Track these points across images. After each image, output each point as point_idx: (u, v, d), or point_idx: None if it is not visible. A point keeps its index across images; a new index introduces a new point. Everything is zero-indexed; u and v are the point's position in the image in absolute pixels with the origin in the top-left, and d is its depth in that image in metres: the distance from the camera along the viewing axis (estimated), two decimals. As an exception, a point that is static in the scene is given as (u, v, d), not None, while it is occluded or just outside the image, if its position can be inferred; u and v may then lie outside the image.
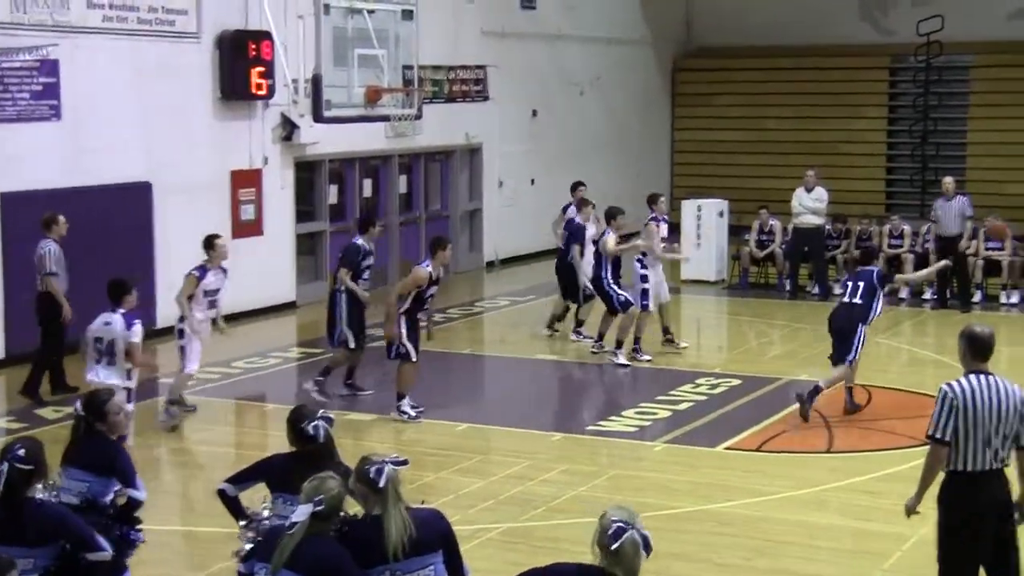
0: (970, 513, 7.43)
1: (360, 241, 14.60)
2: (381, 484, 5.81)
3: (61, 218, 14.74)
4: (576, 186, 19.12)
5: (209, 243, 13.83)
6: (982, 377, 7.50)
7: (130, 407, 11.31)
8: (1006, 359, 15.85)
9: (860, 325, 13.83)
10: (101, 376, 11.26)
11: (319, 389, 14.26)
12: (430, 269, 13.33)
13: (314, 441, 6.94)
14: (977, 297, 20.62)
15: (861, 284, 13.98)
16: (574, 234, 17.56)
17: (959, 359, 7.73)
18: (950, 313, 19.72)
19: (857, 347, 13.80)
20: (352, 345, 14.42)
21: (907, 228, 21.78)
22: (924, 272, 17.41)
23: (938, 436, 7.46)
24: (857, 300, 13.87)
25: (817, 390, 13.71)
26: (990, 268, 20.81)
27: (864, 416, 13.97)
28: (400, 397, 13.59)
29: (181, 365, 13.70)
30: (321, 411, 7.12)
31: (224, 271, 13.90)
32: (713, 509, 10.93)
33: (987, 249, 20.88)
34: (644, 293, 16.44)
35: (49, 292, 14.40)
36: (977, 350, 7.59)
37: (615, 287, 16.31)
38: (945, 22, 26.68)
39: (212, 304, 13.82)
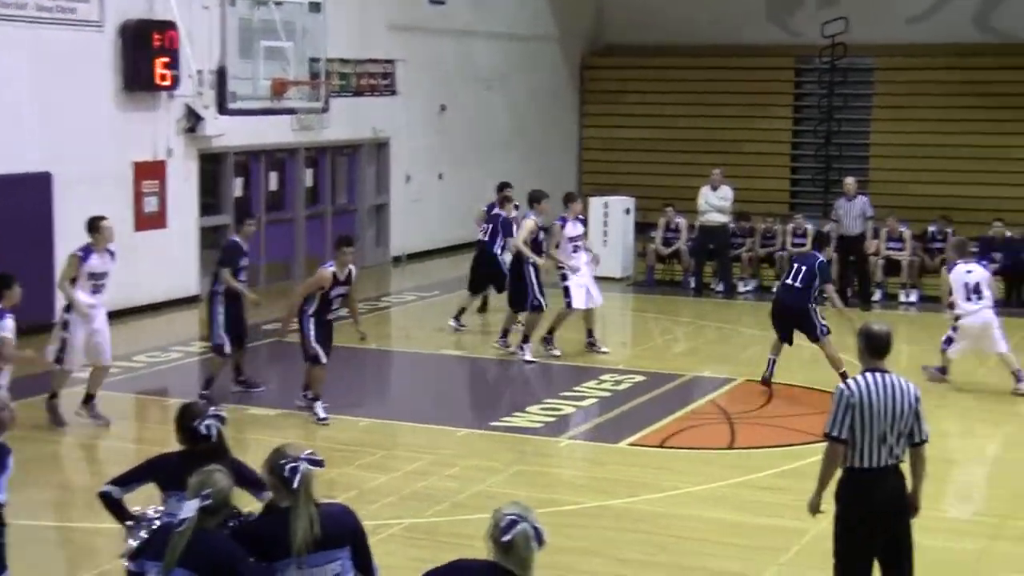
0: (867, 510, 7.53)
1: (237, 239, 14.41)
2: (295, 485, 5.80)
3: None
4: (503, 187, 19.13)
5: (93, 225, 13.13)
6: (878, 375, 7.60)
7: None
8: (906, 357, 16.10)
9: (806, 304, 14.68)
10: None
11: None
12: (333, 269, 13.14)
13: (207, 440, 6.85)
14: (877, 296, 20.92)
15: (804, 268, 14.81)
16: (501, 226, 17.59)
17: (857, 356, 7.83)
18: (851, 311, 19.93)
19: (819, 319, 14.67)
20: (228, 351, 14.19)
21: (810, 227, 22.01)
22: (841, 306, 16.89)
23: (834, 434, 7.56)
24: (797, 284, 14.77)
25: (844, 376, 13.96)
26: (890, 267, 21.14)
27: (765, 413, 14.14)
28: (315, 398, 13.41)
29: (57, 356, 12.91)
30: (212, 408, 7.04)
31: (111, 254, 13.22)
32: (616, 505, 10.98)
33: (887, 249, 21.21)
34: (566, 291, 16.44)
35: None
36: (874, 348, 7.70)
37: (536, 284, 16.17)
38: (849, 24, 27.05)
39: (97, 289, 13.02)
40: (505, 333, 16.82)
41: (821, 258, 14.96)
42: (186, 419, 6.95)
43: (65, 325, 13.00)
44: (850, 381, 7.62)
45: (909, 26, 28.00)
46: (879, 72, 28.26)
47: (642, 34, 30.08)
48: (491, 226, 17.91)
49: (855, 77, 28.30)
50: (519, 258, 16.33)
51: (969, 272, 15.05)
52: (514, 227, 17.56)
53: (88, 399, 13.21)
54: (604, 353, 16.75)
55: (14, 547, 7.49)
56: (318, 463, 5.90)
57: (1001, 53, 27.30)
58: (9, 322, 10.88)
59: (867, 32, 27.44)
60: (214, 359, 14.44)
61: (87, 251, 13.00)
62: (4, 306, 10.96)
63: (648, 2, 29.96)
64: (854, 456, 7.53)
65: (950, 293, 15.12)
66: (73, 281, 12.96)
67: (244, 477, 6.95)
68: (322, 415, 13.32)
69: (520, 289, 16.33)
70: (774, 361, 14.99)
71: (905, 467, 7.67)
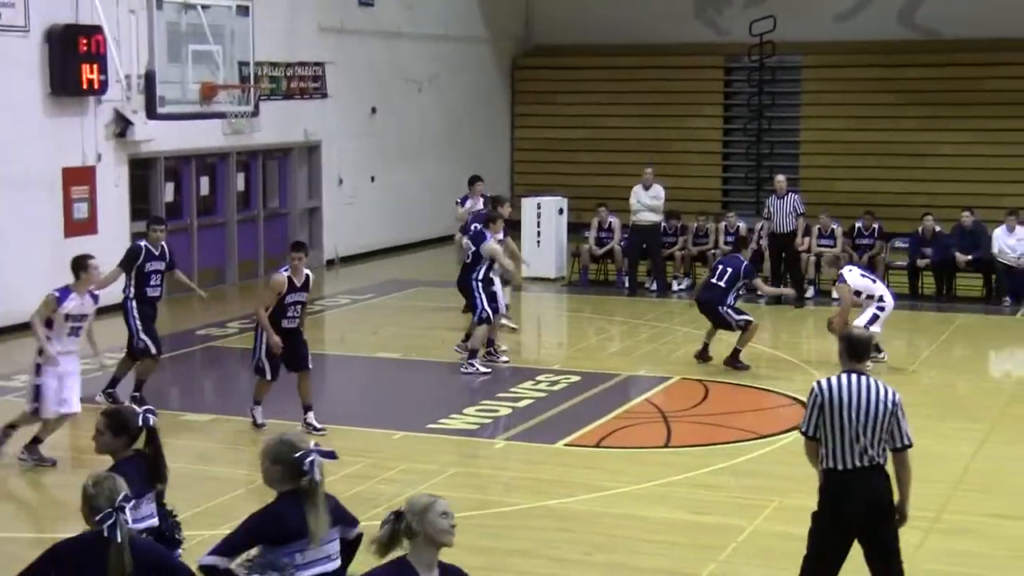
0: (840, 512, 7.60)
1: (143, 243, 14.21)
2: (317, 478, 6.03)
3: None
4: (474, 180, 18.97)
5: (80, 264, 12.15)
6: (853, 376, 7.67)
7: None
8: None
9: (719, 304, 15.75)
10: None
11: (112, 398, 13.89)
12: (288, 275, 12.92)
13: (149, 432, 6.85)
14: (810, 292, 21.10)
15: (729, 270, 15.89)
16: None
17: (838, 358, 7.95)
18: (784, 308, 20.13)
19: (732, 316, 15.77)
20: (154, 351, 14.06)
21: (742, 225, 22.19)
22: (775, 291, 17.98)
23: (803, 430, 7.74)
24: (721, 283, 15.86)
25: (736, 354, 15.75)
26: (821, 263, 21.31)
27: (701, 411, 14.20)
28: (256, 403, 13.24)
29: (32, 406, 11.92)
30: (142, 408, 7.00)
31: (94, 297, 12.36)
32: (553, 505, 10.99)
33: (819, 245, 21.40)
34: (492, 296, 16.42)
35: None
36: (853, 351, 7.81)
37: (485, 297, 15.94)
38: (777, 23, 27.26)
39: (74, 332, 12.05)
40: (467, 337, 16.44)
41: (744, 261, 16.04)
42: (126, 419, 6.88)
43: (37, 369, 11.95)
44: (823, 381, 7.71)
45: (836, 24, 28.27)
46: (807, 70, 28.51)
47: (572, 34, 30.15)
48: (479, 226, 17.58)
49: (784, 75, 28.54)
50: (470, 272, 16.17)
51: (851, 271, 16.12)
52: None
53: (35, 441, 12.16)
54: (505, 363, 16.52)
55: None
56: (329, 455, 6.17)
57: (926, 50, 27.63)
58: None
59: (795, 30, 27.69)
60: (146, 362, 14.25)
61: (65, 292, 12.03)
62: None
63: (578, 2, 30.03)
64: (828, 457, 7.62)
65: (860, 295, 15.75)
66: (48, 324, 12.00)
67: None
68: (259, 420, 13.22)
69: (471, 301, 16.17)
70: (707, 344, 16.10)
71: (890, 470, 7.71)
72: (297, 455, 6.06)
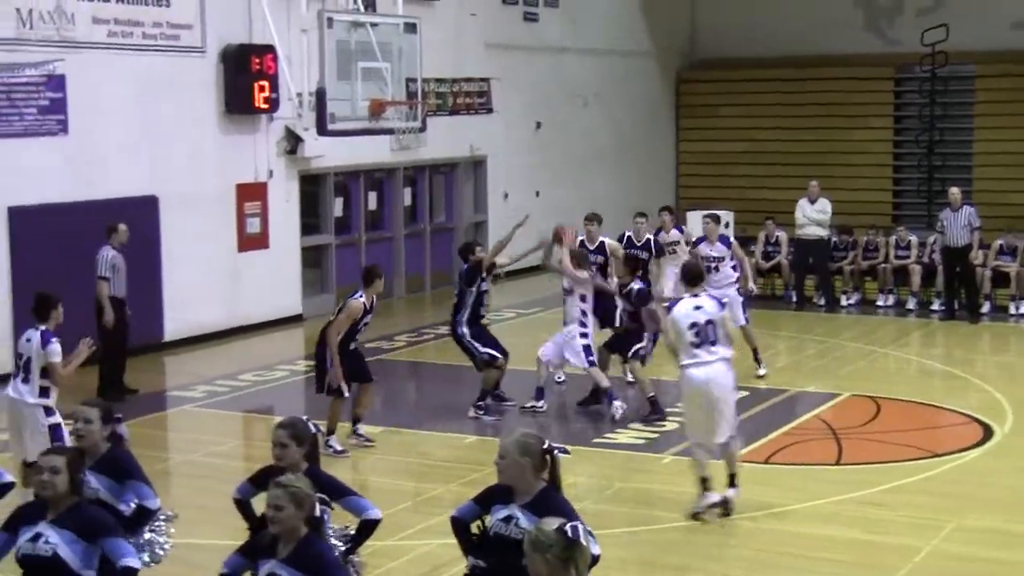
0: None
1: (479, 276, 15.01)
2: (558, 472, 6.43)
3: (122, 226, 15.34)
4: (662, 210, 18.71)
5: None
6: None
7: (50, 421, 10.51)
8: (1021, 371, 15.81)
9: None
10: (17, 391, 10.60)
11: (484, 412, 14.40)
12: (363, 300, 12.95)
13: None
14: (986, 308, 20.52)
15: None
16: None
17: None
18: (959, 324, 19.65)
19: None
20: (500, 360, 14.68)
21: (914, 239, 21.72)
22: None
23: None
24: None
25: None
26: (998, 279, 20.75)
27: (873, 428, 13.93)
28: (330, 432, 12.80)
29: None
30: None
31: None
32: (721, 521, 10.86)
33: (996, 260, 20.83)
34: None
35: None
36: None
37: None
38: (950, 31, 26.66)
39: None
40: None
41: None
42: (307, 431, 7.22)
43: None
44: None
45: (1013, 31, 27.49)
46: (981, 79, 27.80)
47: (737, 47, 29.88)
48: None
49: (957, 85, 27.86)
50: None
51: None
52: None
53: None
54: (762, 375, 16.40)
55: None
56: (563, 450, 6.58)
57: (1108, 58, 26.77)
58: (56, 347, 10.53)
59: (969, 39, 27.00)
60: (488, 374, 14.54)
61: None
62: (50, 327, 10.64)
63: (743, 15, 29.76)
64: None
65: None
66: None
67: None
68: (339, 448, 12.85)
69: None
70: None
71: None
72: (544, 447, 6.40)
